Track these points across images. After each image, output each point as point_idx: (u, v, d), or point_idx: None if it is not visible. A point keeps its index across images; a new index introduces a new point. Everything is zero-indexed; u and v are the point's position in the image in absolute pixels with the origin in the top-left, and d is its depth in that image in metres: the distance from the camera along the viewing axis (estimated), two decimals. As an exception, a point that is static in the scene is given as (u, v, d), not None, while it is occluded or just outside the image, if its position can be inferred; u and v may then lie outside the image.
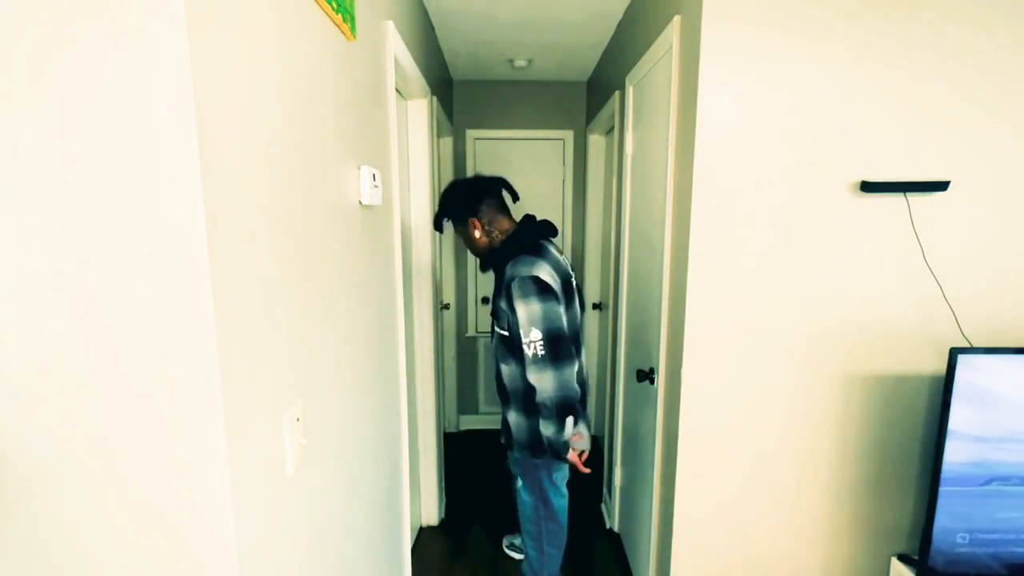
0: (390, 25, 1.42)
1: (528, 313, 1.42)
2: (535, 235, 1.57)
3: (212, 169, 0.58)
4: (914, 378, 1.45)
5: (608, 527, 2.39)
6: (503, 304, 1.51)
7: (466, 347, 3.41)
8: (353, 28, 1.08)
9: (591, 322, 3.27)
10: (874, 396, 1.46)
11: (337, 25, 1.00)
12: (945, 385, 1.26)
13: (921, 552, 1.34)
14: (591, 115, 3.01)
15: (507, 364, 1.59)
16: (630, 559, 2.09)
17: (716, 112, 1.32)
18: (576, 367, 1.50)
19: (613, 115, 2.39)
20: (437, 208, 1.65)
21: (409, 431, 1.97)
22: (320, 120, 0.92)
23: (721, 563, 1.55)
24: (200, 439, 0.60)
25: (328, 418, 0.96)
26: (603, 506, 2.55)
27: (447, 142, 3.05)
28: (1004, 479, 1.29)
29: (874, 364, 1.44)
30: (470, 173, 3.23)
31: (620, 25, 2.22)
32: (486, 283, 3.35)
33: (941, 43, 1.31)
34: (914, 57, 1.31)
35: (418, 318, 2.19)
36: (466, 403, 3.48)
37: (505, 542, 2.23)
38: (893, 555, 1.53)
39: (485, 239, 1.61)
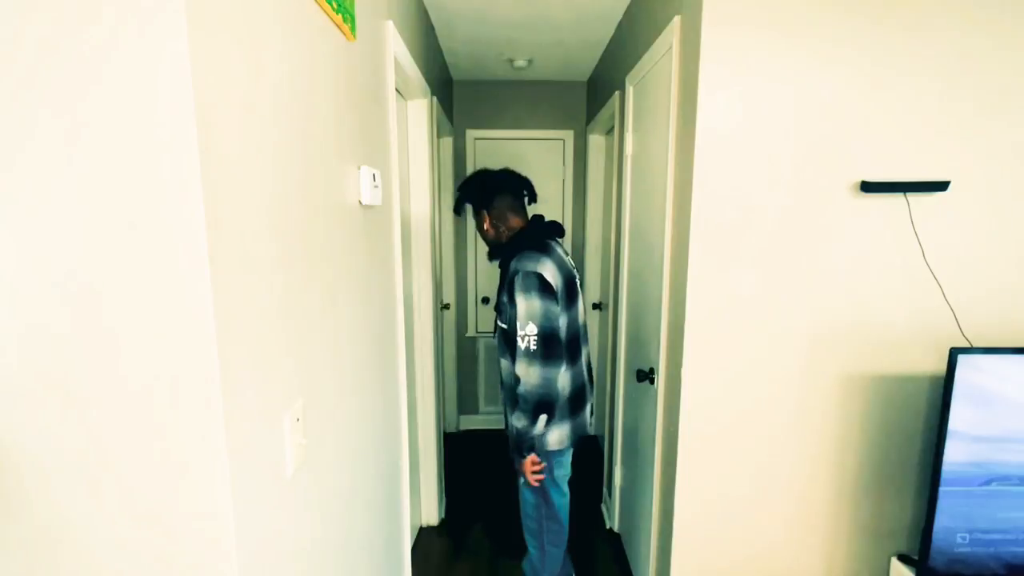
0: (390, 25, 1.42)
1: (527, 307, 1.44)
2: (542, 234, 1.59)
3: (212, 169, 0.58)
4: (914, 378, 1.45)
5: (608, 527, 2.39)
6: (505, 298, 1.53)
7: (466, 347, 3.41)
8: (353, 28, 1.08)
9: (591, 322, 3.27)
10: (874, 396, 1.46)
11: (337, 25, 1.00)
12: (945, 385, 1.26)
13: (921, 552, 1.34)
14: (591, 115, 3.01)
15: (505, 359, 1.60)
16: (630, 559, 2.09)
17: (716, 112, 1.32)
18: (562, 370, 1.51)
19: (613, 115, 2.39)
20: (457, 193, 1.69)
21: (409, 431, 1.97)
22: (320, 120, 0.92)
23: (721, 563, 1.55)
24: (200, 439, 0.60)
25: (328, 418, 0.96)
26: (603, 506, 2.55)
27: (447, 142, 3.05)
28: (1004, 479, 1.29)
29: (874, 364, 1.44)
30: (470, 173, 3.23)
31: (620, 25, 2.22)
32: (486, 283, 3.35)
33: (941, 43, 1.31)
34: (914, 57, 1.31)
35: (418, 318, 2.19)
36: (466, 403, 3.48)
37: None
38: (893, 555, 1.53)
39: (492, 232, 1.64)
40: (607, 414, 2.54)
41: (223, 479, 0.61)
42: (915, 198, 1.36)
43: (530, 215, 1.68)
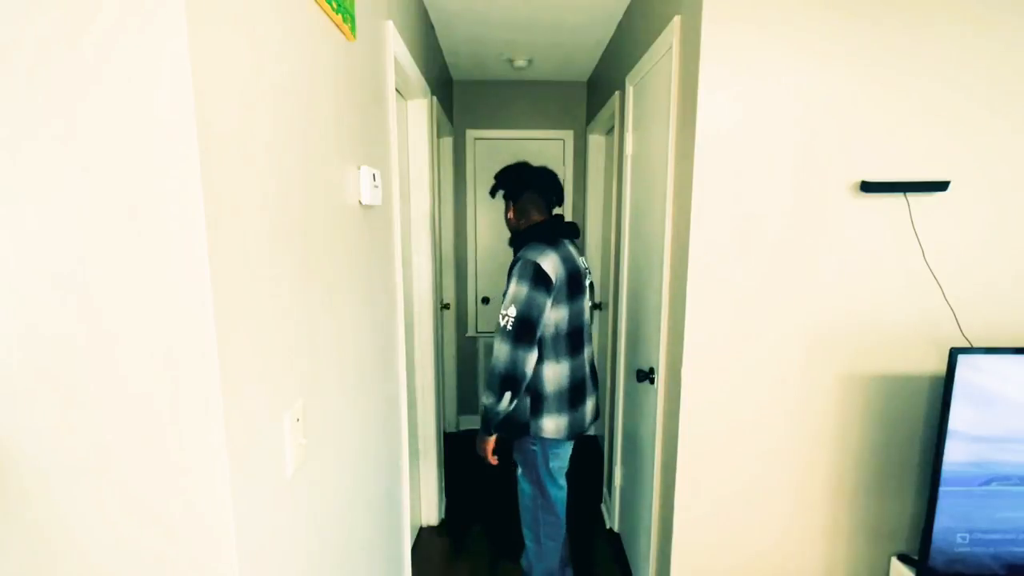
0: (390, 25, 1.42)
1: (516, 292, 1.52)
2: (554, 230, 1.64)
3: (212, 169, 0.58)
4: (914, 378, 1.45)
5: (608, 527, 2.39)
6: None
7: (466, 347, 3.41)
8: (353, 28, 1.08)
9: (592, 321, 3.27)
10: (874, 396, 1.46)
11: (337, 25, 1.00)
12: (945, 385, 1.26)
13: (921, 552, 1.34)
14: (591, 115, 3.01)
15: None
16: (630, 559, 2.09)
17: (716, 112, 1.32)
18: (532, 353, 1.53)
19: (613, 115, 2.39)
20: (494, 179, 1.78)
21: (409, 431, 1.97)
22: (320, 120, 0.92)
23: (721, 563, 1.55)
24: (200, 439, 0.60)
25: (328, 418, 0.96)
26: (603, 506, 2.55)
27: (447, 142, 3.05)
28: (1004, 479, 1.29)
29: (874, 364, 1.44)
30: (470, 173, 3.24)
31: (620, 25, 2.22)
32: (486, 283, 3.35)
33: (942, 43, 1.31)
34: (914, 57, 1.31)
35: (418, 318, 2.19)
36: (466, 403, 3.48)
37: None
38: (893, 555, 1.53)
39: (514, 221, 1.74)
40: (607, 414, 2.54)
41: (223, 479, 0.61)
42: (915, 198, 1.36)
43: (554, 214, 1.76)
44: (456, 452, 3.14)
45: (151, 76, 0.54)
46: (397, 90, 1.79)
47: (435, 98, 2.31)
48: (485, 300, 3.36)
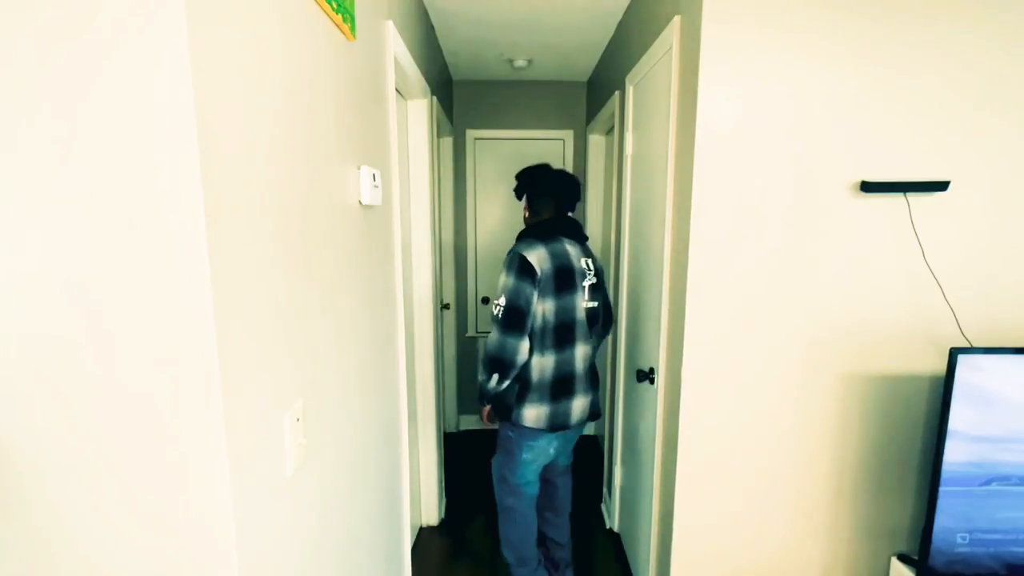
0: (390, 25, 1.42)
1: (504, 282, 1.62)
2: (552, 228, 1.70)
3: (212, 169, 0.58)
4: (914, 378, 1.45)
5: (608, 527, 2.39)
6: None
7: (466, 347, 3.41)
8: (353, 28, 1.08)
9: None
10: (874, 396, 1.46)
11: (337, 25, 1.00)
12: (945, 385, 1.26)
13: (921, 552, 1.34)
14: (591, 115, 3.01)
15: None
16: (630, 559, 2.09)
17: (716, 112, 1.32)
18: (523, 341, 1.60)
19: (613, 115, 2.39)
20: (516, 178, 1.87)
21: (409, 431, 1.97)
22: (320, 120, 0.92)
23: (721, 562, 1.55)
24: (200, 439, 0.60)
25: (328, 418, 0.96)
26: (603, 506, 2.55)
27: (447, 142, 3.05)
28: (1004, 479, 1.29)
29: (874, 364, 1.44)
30: (470, 173, 3.24)
31: (620, 25, 2.22)
32: (486, 283, 3.35)
33: (942, 43, 1.31)
34: (914, 57, 1.31)
35: (418, 318, 2.19)
36: (466, 403, 3.48)
37: None
38: (893, 555, 1.53)
39: (527, 218, 1.84)
40: (607, 414, 2.54)
41: (223, 479, 0.61)
42: (915, 198, 1.36)
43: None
44: (456, 452, 3.14)
45: (151, 76, 0.54)
46: (397, 90, 1.79)
47: (435, 98, 2.31)
48: (485, 300, 3.36)
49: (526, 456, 1.72)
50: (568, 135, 3.23)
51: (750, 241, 1.38)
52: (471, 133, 3.21)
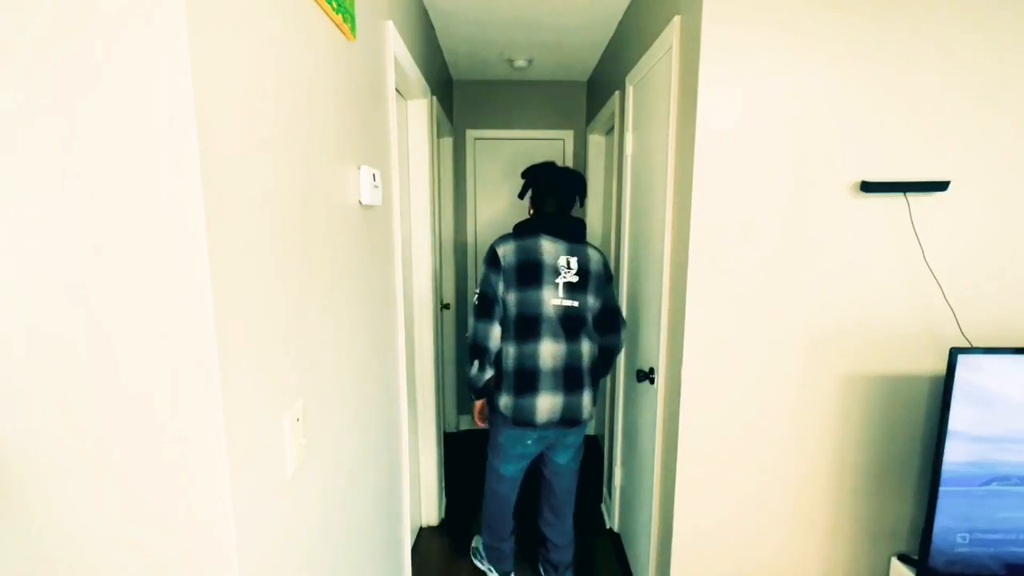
0: (390, 25, 1.42)
1: (479, 274, 1.74)
2: (533, 224, 1.73)
3: (212, 169, 0.58)
4: (914, 378, 1.45)
5: (608, 527, 2.39)
6: None
7: (466, 347, 3.41)
8: (353, 28, 1.08)
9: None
10: (874, 396, 1.46)
11: (337, 25, 1.00)
12: (945, 385, 1.26)
13: (921, 552, 1.34)
14: (591, 115, 3.01)
15: None
16: (630, 559, 2.09)
17: (716, 112, 1.32)
18: (493, 326, 1.68)
19: (613, 115, 2.39)
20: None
21: (409, 431, 1.97)
22: (320, 120, 0.92)
23: (721, 562, 1.55)
24: (200, 439, 0.60)
25: (328, 418, 0.96)
26: (603, 506, 2.55)
27: (447, 142, 3.05)
28: (1004, 479, 1.29)
29: (874, 364, 1.44)
30: (470, 173, 3.24)
31: (620, 25, 2.22)
32: (486, 283, 3.35)
33: (942, 43, 1.31)
34: (914, 57, 1.31)
35: (418, 318, 2.19)
36: (466, 403, 3.48)
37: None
38: (893, 555, 1.53)
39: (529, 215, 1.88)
40: (607, 414, 2.54)
41: (223, 479, 0.61)
42: (915, 198, 1.36)
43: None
44: (456, 452, 3.14)
45: (151, 75, 0.54)
46: (397, 90, 1.79)
47: (435, 98, 2.30)
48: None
49: (503, 441, 1.79)
50: (568, 135, 3.23)
51: (750, 241, 1.38)
52: (471, 133, 3.21)
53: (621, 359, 2.17)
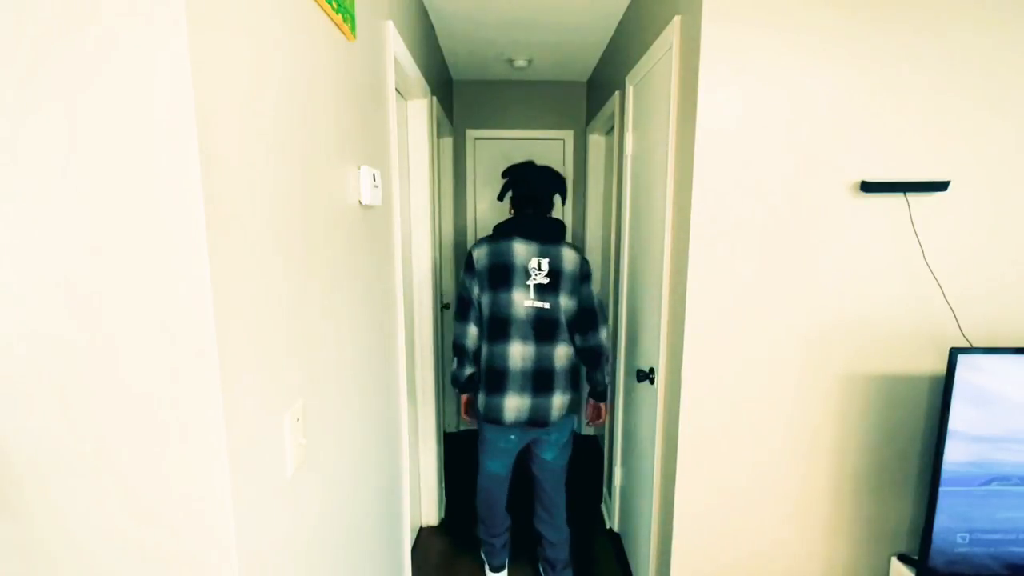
0: (390, 25, 1.42)
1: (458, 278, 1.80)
2: (508, 227, 1.76)
3: (212, 169, 0.58)
4: (914, 378, 1.45)
5: (608, 527, 2.39)
6: None
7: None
8: (353, 28, 1.08)
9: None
10: (874, 396, 1.46)
11: (337, 25, 1.00)
12: (945, 385, 1.26)
13: (921, 552, 1.34)
14: (591, 115, 3.01)
15: None
16: (630, 559, 2.09)
17: (716, 112, 1.32)
18: (470, 326, 1.75)
19: (613, 115, 2.39)
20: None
21: (409, 431, 1.97)
22: (320, 120, 0.92)
23: (721, 563, 1.55)
24: (200, 439, 0.60)
25: (328, 418, 0.96)
26: (603, 506, 2.55)
27: (447, 142, 3.05)
28: (1004, 479, 1.29)
29: (874, 364, 1.44)
30: (470, 173, 3.24)
31: (620, 25, 2.22)
32: (486, 283, 3.35)
33: (941, 43, 1.31)
34: (914, 57, 1.31)
35: (418, 318, 2.19)
36: (466, 403, 3.47)
37: None
38: (893, 555, 1.53)
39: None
40: (607, 414, 2.54)
41: (223, 479, 0.61)
42: (915, 198, 1.36)
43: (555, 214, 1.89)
44: (456, 452, 3.14)
45: (151, 75, 0.54)
46: (397, 90, 1.79)
47: (435, 98, 2.31)
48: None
49: (486, 436, 1.82)
50: (568, 135, 3.23)
51: (750, 241, 1.38)
52: (471, 133, 3.21)
53: (621, 359, 2.17)
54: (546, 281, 1.69)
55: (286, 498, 0.78)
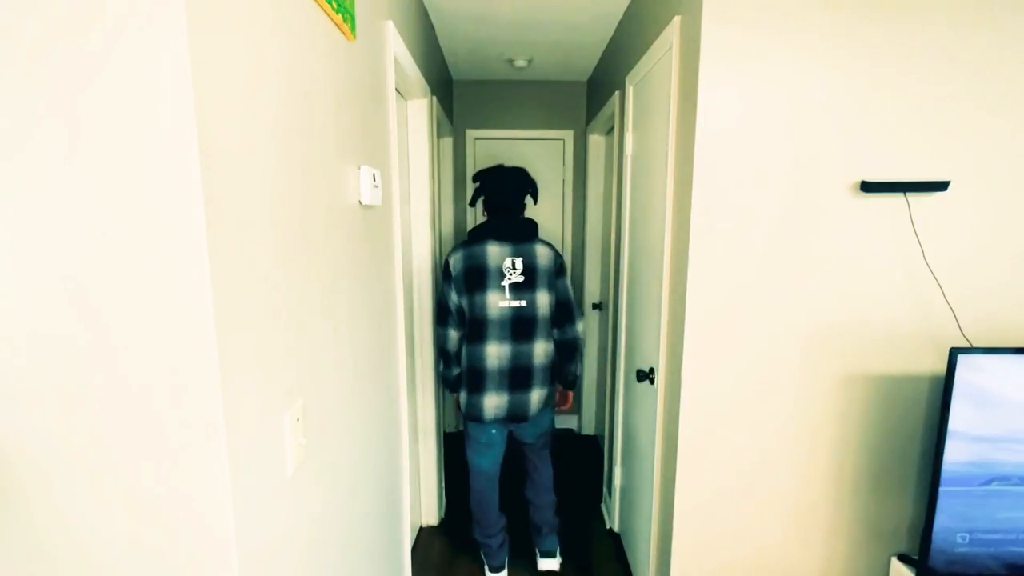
0: (390, 25, 1.42)
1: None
2: (481, 231, 1.80)
3: (212, 170, 0.58)
4: (914, 378, 1.45)
5: (608, 527, 2.39)
6: None
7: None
8: (353, 28, 1.08)
9: (591, 322, 3.27)
10: (874, 396, 1.46)
11: (337, 25, 1.00)
12: (945, 385, 1.26)
13: (921, 552, 1.34)
14: (591, 115, 3.01)
15: None
16: (630, 559, 2.09)
17: (716, 112, 1.32)
18: (449, 331, 1.81)
19: (613, 115, 2.39)
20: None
21: (409, 431, 1.97)
22: (320, 120, 0.92)
23: (721, 563, 1.55)
24: (200, 439, 0.60)
25: (328, 418, 0.96)
26: (603, 506, 2.55)
27: (447, 142, 3.05)
28: (1004, 479, 1.29)
29: (874, 364, 1.44)
30: (470, 173, 3.24)
31: (620, 25, 2.22)
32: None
33: (941, 43, 1.31)
34: (914, 57, 1.31)
35: (418, 318, 2.19)
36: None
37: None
38: (893, 555, 1.53)
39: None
40: (607, 414, 2.54)
41: (223, 479, 0.61)
42: (915, 198, 1.36)
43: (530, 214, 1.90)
44: (456, 452, 3.14)
45: (151, 76, 0.54)
46: (397, 90, 1.79)
47: (435, 98, 2.31)
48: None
49: (470, 431, 1.89)
50: (568, 135, 3.23)
51: (750, 241, 1.38)
52: (471, 133, 3.21)
53: (621, 359, 2.17)
54: (522, 279, 1.75)
55: (286, 498, 0.78)
